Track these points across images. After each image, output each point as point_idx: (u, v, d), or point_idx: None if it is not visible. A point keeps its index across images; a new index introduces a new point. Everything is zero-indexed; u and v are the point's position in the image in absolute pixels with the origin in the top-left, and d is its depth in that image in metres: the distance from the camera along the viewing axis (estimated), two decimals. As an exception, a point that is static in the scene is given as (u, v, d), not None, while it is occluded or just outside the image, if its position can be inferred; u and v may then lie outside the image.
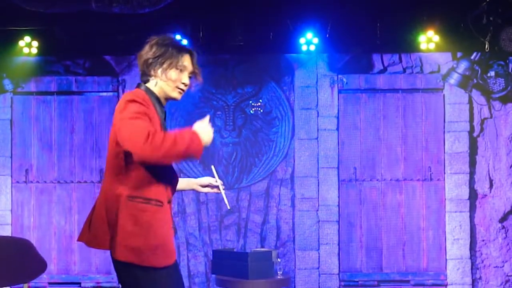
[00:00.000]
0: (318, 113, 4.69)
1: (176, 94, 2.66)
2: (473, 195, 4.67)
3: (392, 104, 4.70)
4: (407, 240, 4.66)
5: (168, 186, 2.60)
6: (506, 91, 4.56)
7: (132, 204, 2.48)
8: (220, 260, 4.13)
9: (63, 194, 4.67)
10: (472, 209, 4.66)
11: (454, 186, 4.65)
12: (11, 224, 4.66)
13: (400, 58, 4.74)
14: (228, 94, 4.66)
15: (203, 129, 2.50)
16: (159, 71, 2.59)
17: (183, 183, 2.78)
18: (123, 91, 4.67)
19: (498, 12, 4.29)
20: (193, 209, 4.68)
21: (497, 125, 4.68)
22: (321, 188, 4.67)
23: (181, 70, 2.59)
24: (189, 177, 3.77)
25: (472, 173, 4.67)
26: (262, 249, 4.37)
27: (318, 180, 4.67)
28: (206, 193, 3.29)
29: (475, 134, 4.69)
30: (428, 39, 4.42)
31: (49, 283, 4.63)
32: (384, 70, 4.75)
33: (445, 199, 4.65)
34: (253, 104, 4.67)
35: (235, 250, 4.37)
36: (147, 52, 2.59)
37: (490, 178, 4.67)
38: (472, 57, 4.53)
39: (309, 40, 4.45)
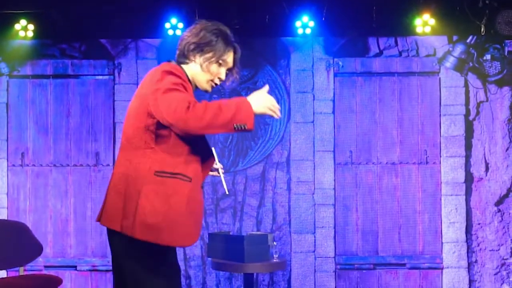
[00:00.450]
0: (314, 96, 4.69)
1: (208, 87, 2.59)
2: (469, 179, 4.67)
3: (388, 87, 4.70)
4: (403, 224, 4.66)
5: (199, 166, 2.50)
6: (502, 74, 4.56)
7: (158, 179, 2.41)
8: (216, 243, 4.13)
9: (59, 178, 4.67)
10: (468, 193, 4.66)
11: (450, 170, 4.65)
12: (7, 208, 4.66)
13: (396, 42, 4.74)
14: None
15: (258, 98, 2.39)
16: (200, 59, 2.50)
17: None
18: (119, 75, 4.67)
19: (494, -5, 4.30)
20: (189, 192, 4.67)
21: (493, 108, 4.68)
22: (317, 171, 4.67)
23: (221, 65, 2.52)
24: None
25: (468, 157, 4.67)
26: (258, 233, 4.38)
27: (314, 163, 4.67)
28: None
29: (471, 118, 4.69)
30: (424, 23, 4.41)
31: (45, 266, 4.62)
32: (380, 54, 4.75)
33: (441, 182, 4.65)
34: (249, 87, 4.67)
35: (231, 233, 4.37)
36: (194, 35, 2.50)
37: (486, 161, 4.67)
38: (468, 41, 4.53)
39: (305, 24, 4.45)
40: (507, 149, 4.66)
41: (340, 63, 4.70)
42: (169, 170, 2.42)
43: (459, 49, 4.53)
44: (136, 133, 2.43)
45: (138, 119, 2.44)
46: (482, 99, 4.69)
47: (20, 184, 4.67)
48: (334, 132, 4.68)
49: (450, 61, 4.54)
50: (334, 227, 4.66)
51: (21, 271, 4.24)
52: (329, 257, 4.65)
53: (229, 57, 2.54)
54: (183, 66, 2.52)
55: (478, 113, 4.69)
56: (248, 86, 4.68)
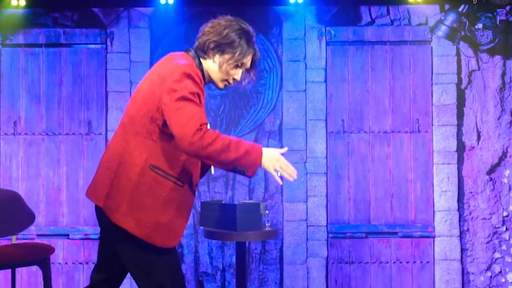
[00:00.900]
0: (306, 65, 4.69)
1: (221, 85, 2.58)
2: (460, 147, 4.67)
3: (380, 56, 4.70)
4: (395, 192, 4.67)
5: (195, 169, 2.51)
6: (494, 43, 4.56)
7: (153, 174, 2.40)
8: (208, 212, 4.13)
9: (51, 146, 4.67)
10: (460, 161, 4.67)
11: (442, 138, 4.66)
12: (-1, 176, 4.68)
13: (388, 10, 4.74)
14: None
15: (272, 155, 2.41)
16: (219, 59, 2.49)
17: None
18: (111, 44, 4.67)
19: (486, -37, 4.31)
20: (181, 161, 4.68)
21: (485, 77, 4.69)
22: (309, 140, 4.67)
23: (238, 66, 2.52)
24: None
25: (459, 125, 4.67)
26: (250, 201, 4.37)
27: (306, 132, 4.68)
28: None
29: (462, 86, 4.69)
30: (416, -9, 4.43)
31: (37, 235, 4.62)
32: (372, 22, 4.75)
33: (433, 151, 4.66)
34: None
35: (223, 202, 4.37)
36: (216, 33, 2.47)
37: (477, 130, 4.68)
38: (460, 9, 4.52)
39: (297, -8, 4.46)
40: (498, 118, 4.66)
41: (332, 32, 4.70)
42: (164, 169, 2.41)
43: (451, 18, 4.53)
44: (141, 120, 2.42)
45: (146, 107, 2.41)
46: (474, 68, 4.69)
47: (13, 153, 4.68)
48: (326, 101, 4.69)
49: (442, 30, 4.54)
50: (326, 196, 4.67)
51: (14, 239, 4.25)
52: (321, 225, 4.66)
53: (248, 60, 2.54)
54: (202, 61, 2.50)
55: (470, 82, 4.69)
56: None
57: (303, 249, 4.65)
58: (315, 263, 4.65)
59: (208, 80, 2.57)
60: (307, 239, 4.65)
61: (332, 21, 4.71)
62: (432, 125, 4.67)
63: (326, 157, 4.67)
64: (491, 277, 4.65)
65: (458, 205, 4.66)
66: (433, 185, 4.66)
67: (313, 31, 4.70)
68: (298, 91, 4.69)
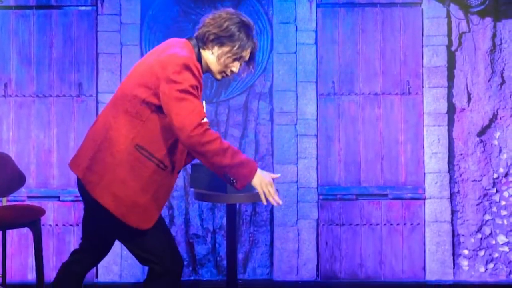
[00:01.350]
0: (296, 27, 4.69)
1: (219, 77, 2.61)
2: (451, 109, 4.67)
3: (371, 18, 4.70)
4: (385, 154, 4.67)
5: (180, 156, 2.54)
6: (484, 5, 4.56)
7: (137, 154, 2.43)
8: (198, 174, 4.09)
9: (42, 108, 4.67)
10: (450, 123, 4.67)
11: (432, 100, 4.66)
12: (-10, 138, 4.67)
13: (378, -28, 4.75)
14: (207, 9, 4.66)
15: (264, 177, 2.50)
16: (218, 51, 2.52)
17: None
18: (101, 5, 4.66)
19: None
20: (171, 123, 4.68)
21: (475, 39, 4.69)
22: (300, 102, 4.67)
23: (237, 59, 2.55)
24: None
25: (450, 87, 4.67)
26: (241, 163, 4.35)
27: (297, 94, 4.67)
28: None
29: (453, 48, 4.69)
30: (406, -49, 4.43)
31: (28, 197, 4.63)
32: (362, -16, 4.75)
33: (423, 113, 4.66)
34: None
35: (213, 164, 4.37)
36: (216, 25, 2.50)
37: (468, 92, 4.68)
38: (450, -29, 4.54)
39: (287, -47, 4.47)
40: (489, 80, 4.66)
41: (323, -7, 4.71)
42: (149, 150, 2.45)
43: (441, -21, 4.54)
44: (133, 100, 2.45)
45: (141, 89, 2.44)
46: (465, 30, 4.69)
47: (3, 115, 4.68)
48: (317, 63, 4.69)
49: (432, -8, 4.54)
50: (317, 158, 4.67)
51: (4, 201, 4.26)
52: (312, 187, 4.66)
53: (247, 53, 2.56)
54: (201, 51, 2.53)
55: (460, 44, 4.69)
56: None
57: (293, 211, 4.65)
58: (306, 225, 4.65)
59: (205, 70, 2.60)
60: (297, 201, 4.66)
61: (322, -18, 4.71)
62: (423, 87, 4.67)
63: (317, 119, 4.67)
64: (481, 239, 4.65)
65: (449, 167, 4.66)
66: (423, 147, 4.66)
67: (304, -7, 4.70)
68: (288, 53, 4.69)
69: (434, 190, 4.64)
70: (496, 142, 4.67)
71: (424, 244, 4.63)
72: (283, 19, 4.69)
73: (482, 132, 4.66)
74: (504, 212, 4.64)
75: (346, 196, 4.65)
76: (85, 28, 4.69)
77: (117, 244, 2.99)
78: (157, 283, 2.59)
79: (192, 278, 4.66)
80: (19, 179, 4.17)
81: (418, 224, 4.64)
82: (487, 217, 4.65)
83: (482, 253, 4.64)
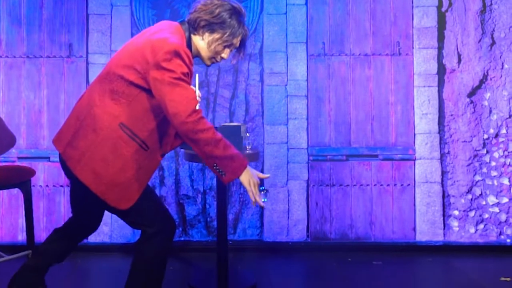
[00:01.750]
0: (286, -12, 4.69)
1: (208, 62, 2.61)
2: (441, 70, 4.67)
3: (361, -21, 4.70)
4: (376, 115, 4.66)
5: (165, 138, 2.54)
6: (475, -34, 4.56)
7: (120, 131, 2.43)
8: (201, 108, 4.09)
9: (32, 69, 4.67)
10: (441, 84, 4.67)
11: (423, 61, 4.65)
12: (-20, 99, 4.67)
13: None
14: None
15: (252, 174, 2.47)
16: (208, 37, 2.53)
17: None
18: (92, -34, 4.66)
19: None
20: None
21: (465, 0, 4.68)
22: (290, 63, 4.67)
23: (227, 46, 2.55)
24: None
25: (440, 48, 4.67)
26: (231, 124, 4.35)
27: (287, 55, 4.67)
28: None
29: (443, 9, 4.69)
30: None
31: (18, 158, 4.62)
32: None
33: (413, 73, 4.66)
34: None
35: (204, 124, 4.37)
36: (207, 11, 2.50)
37: (458, 53, 4.68)
38: None
39: None
40: (479, 41, 4.66)
41: (313, -46, 4.70)
42: (133, 130, 2.44)
43: None
44: (120, 80, 2.46)
45: (129, 71, 2.44)
46: (455, -10, 4.69)
47: (-7, 76, 4.68)
48: (307, 23, 4.68)
49: (422, -47, 4.54)
50: (307, 119, 4.66)
51: (-6, 162, 4.26)
52: (302, 148, 4.66)
53: (237, 41, 2.56)
54: (192, 36, 2.54)
55: (450, 4, 4.69)
56: None
57: (284, 172, 4.65)
58: (296, 186, 4.65)
59: (195, 55, 2.60)
60: (287, 162, 4.65)
61: None
62: (413, 48, 4.66)
63: (307, 80, 4.67)
64: (471, 199, 4.65)
65: (439, 127, 4.66)
66: (413, 107, 4.65)
67: (294, -47, 4.70)
68: (278, 14, 4.68)
69: (424, 151, 4.64)
70: (486, 103, 4.66)
71: (414, 205, 4.63)
72: (273, -20, 4.69)
73: (472, 93, 4.66)
74: (494, 173, 4.64)
75: (336, 157, 4.65)
76: (75, -11, 4.68)
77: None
78: (150, 243, 2.59)
79: (182, 239, 4.66)
80: (10, 140, 4.16)
81: (409, 185, 4.64)
82: (477, 178, 4.65)
83: (472, 214, 4.64)
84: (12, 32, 4.67)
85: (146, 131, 2.46)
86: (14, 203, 4.62)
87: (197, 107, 2.43)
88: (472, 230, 4.64)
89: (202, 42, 2.53)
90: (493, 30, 4.66)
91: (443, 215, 4.64)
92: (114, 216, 4.40)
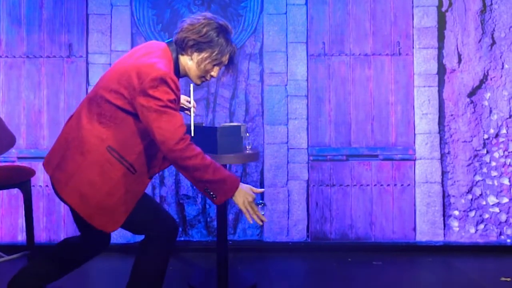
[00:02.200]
0: (287, -12, 4.69)
1: (198, 82, 2.61)
2: (441, 70, 4.67)
3: (361, -21, 4.70)
4: (376, 115, 4.66)
5: (153, 161, 2.53)
6: (475, -34, 4.56)
7: (107, 155, 2.42)
8: (189, 135, 4.08)
9: (32, 69, 4.66)
10: (441, 84, 4.66)
11: (423, 61, 4.65)
12: (-20, 99, 4.67)
13: None
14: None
15: (247, 193, 2.47)
16: (197, 56, 2.52)
17: None
18: (92, -34, 4.66)
19: None
20: (162, 84, 4.66)
21: (466, 0, 4.68)
22: (290, 63, 4.67)
23: (216, 64, 2.55)
24: None
25: (440, 48, 4.67)
26: (231, 124, 4.36)
27: (287, 55, 4.67)
28: None
29: (443, 9, 4.68)
30: None
31: (18, 158, 4.62)
32: None
33: (413, 73, 4.65)
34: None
35: (204, 124, 4.37)
36: (195, 31, 2.49)
37: (458, 52, 4.67)
38: None
39: None
40: (479, 41, 4.66)
41: (313, -46, 4.70)
42: (121, 153, 2.44)
43: None
44: (108, 104, 2.45)
45: (116, 95, 2.43)
46: (455, -10, 4.69)
47: (-7, 76, 4.68)
48: (307, 23, 4.68)
49: (422, -47, 4.54)
50: (307, 119, 4.66)
51: (-6, 162, 4.25)
52: (302, 148, 4.66)
53: (226, 58, 2.56)
54: (180, 56, 2.53)
55: (450, 4, 4.68)
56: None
57: (284, 172, 4.64)
58: (296, 186, 4.64)
59: (184, 75, 2.59)
60: (287, 162, 4.65)
61: None
62: (413, 48, 4.66)
63: (307, 80, 4.67)
64: (471, 199, 4.64)
65: (439, 128, 4.65)
66: (414, 108, 4.65)
67: (294, -47, 4.69)
68: (279, 14, 4.68)
69: (425, 151, 4.64)
70: (486, 103, 4.66)
71: (415, 205, 4.63)
72: (273, -20, 4.69)
73: (472, 93, 4.66)
74: (494, 173, 4.64)
75: (336, 157, 4.65)
76: (75, -11, 4.68)
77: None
78: (153, 244, 2.60)
79: (182, 239, 4.66)
80: (10, 140, 4.15)
81: (409, 185, 4.64)
82: (478, 178, 4.65)
83: (472, 214, 4.64)
84: (12, 32, 4.67)
85: (133, 154, 2.46)
86: (14, 203, 4.62)
87: (186, 135, 2.41)
88: (472, 230, 4.64)
89: (190, 62, 2.53)
90: (493, 30, 4.66)
91: (443, 215, 4.64)
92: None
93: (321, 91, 4.68)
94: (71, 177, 2.43)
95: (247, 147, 4.01)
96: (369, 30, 4.68)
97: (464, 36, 4.66)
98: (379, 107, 4.66)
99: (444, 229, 4.63)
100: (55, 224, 4.57)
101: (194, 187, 4.66)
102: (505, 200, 4.62)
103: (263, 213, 2.61)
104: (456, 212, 4.64)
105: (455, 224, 4.64)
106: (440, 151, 4.65)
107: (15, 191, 4.56)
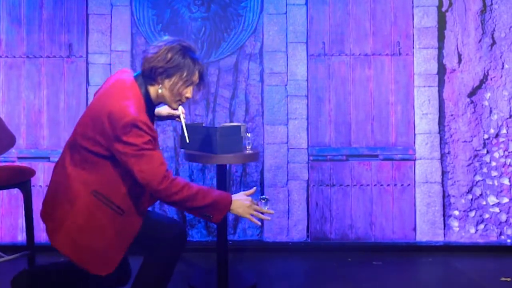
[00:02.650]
0: (287, -12, 4.69)
1: (175, 106, 2.61)
2: (441, 70, 4.67)
3: (361, -21, 4.69)
4: (376, 115, 4.66)
5: (140, 199, 2.54)
6: (475, -34, 4.56)
7: (94, 199, 2.44)
8: (188, 135, 4.09)
9: (32, 69, 4.66)
10: (441, 84, 4.66)
11: (423, 61, 4.65)
12: (-20, 99, 4.66)
13: None
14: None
15: (242, 201, 2.53)
16: (168, 83, 2.52)
17: None
18: (92, -34, 4.66)
19: None
20: (162, 84, 4.66)
21: (466, 0, 4.68)
22: (290, 63, 4.67)
23: (188, 85, 2.55)
24: None
25: (440, 48, 4.66)
26: (231, 124, 4.35)
27: (287, 55, 4.67)
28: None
29: (443, 9, 4.68)
30: None
31: (18, 158, 4.62)
32: None
33: (413, 73, 4.65)
34: (222, -19, 4.67)
35: (204, 124, 4.36)
36: (161, 58, 2.49)
37: (458, 52, 4.67)
38: None
39: None
40: (479, 41, 4.65)
41: (313, -46, 4.70)
42: (107, 196, 2.46)
43: None
44: (87, 151, 2.46)
45: (91, 140, 2.45)
46: (455, -10, 4.69)
47: (-7, 76, 4.67)
48: (307, 23, 4.68)
49: (423, -47, 4.53)
50: (307, 119, 4.66)
51: (-6, 162, 4.25)
52: (302, 148, 4.65)
53: (196, 77, 2.56)
54: (149, 87, 2.53)
55: (450, 4, 4.68)
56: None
57: (283, 172, 4.64)
58: (296, 186, 4.64)
59: (158, 103, 2.61)
60: (287, 162, 4.65)
61: None
62: (413, 47, 4.66)
63: (307, 80, 4.67)
64: (472, 199, 4.64)
65: (439, 127, 4.65)
66: (414, 107, 4.65)
67: (294, -47, 4.69)
68: (279, 14, 4.68)
69: (425, 151, 4.64)
70: (486, 103, 4.66)
71: (415, 205, 4.63)
72: (273, -20, 4.69)
73: (472, 93, 4.66)
74: (494, 173, 4.64)
75: (336, 157, 4.65)
76: (75, -11, 4.68)
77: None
78: (159, 249, 2.64)
79: (182, 239, 4.65)
80: (10, 140, 4.15)
81: (409, 185, 4.64)
82: (478, 178, 4.64)
83: (472, 214, 4.64)
84: (12, 32, 4.67)
85: (119, 195, 2.47)
86: (14, 203, 4.62)
87: (168, 171, 2.43)
88: (473, 230, 4.63)
89: (161, 90, 2.54)
90: (494, 30, 4.65)
91: (443, 215, 4.63)
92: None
93: (321, 91, 4.68)
94: (61, 225, 2.45)
95: (247, 147, 4.00)
96: (369, 30, 4.68)
97: (464, 36, 4.66)
98: (379, 107, 4.66)
99: (444, 229, 4.63)
100: (55, 224, 4.56)
101: (194, 187, 4.66)
102: (505, 200, 4.62)
103: (267, 207, 2.63)
104: (456, 212, 4.64)
105: (455, 224, 4.64)
106: (440, 151, 4.64)
107: (15, 191, 4.55)
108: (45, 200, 2.60)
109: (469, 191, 4.64)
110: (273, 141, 4.65)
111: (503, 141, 4.64)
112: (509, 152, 4.64)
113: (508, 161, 4.63)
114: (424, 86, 4.64)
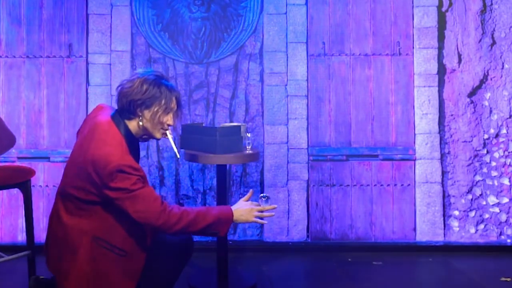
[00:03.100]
0: (287, -12, 4.69)
1: (159, 135, 2.61)
2: (441, 70, 4.66)
3: (361, -21, 4.69)
4: (376, 115, 4.66)
5: (142, 236, 2.54)
6: (475, -34, 4.56)
7: (96, 246, 2.44)
8: (189, 135, 4.11)
9: (32, 69, 4.66)
10: (441, 84, 4.66)
11: (423, 61, 4.65)
12: (-20, 99, 4.66)
13: None
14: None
15: (243, 209, 2.57)
16: (147, 114, 2.53)
17: None
18: (92, -34, 4.66)
19: None
20: (162, 84, 4.66)
21: (466, 0, 4.68)
22: (290, 63, 4.66)
23: (168, 112, 2.56)
24: None
25: (440, 48, 4.66)
26: (231, 124, 4.36)
27: (287, 55, 4.67)
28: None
29: (443, 9, 4.68)
30: None
31: (18, 158, 4.62)
32: None
33: (413, 73, 4.65)
34: (222, -19, 4.67)
35: (204, 124, 4.37)
36: (137, 91, 2.50)
37: (458, 53, 4.67)
38: None
39: None
40: (479, 41, 4.65)
41: (313, -46, 4.69)
42: (108, 240, 2.46)
43: None
44: (79, 200, 2.46)
45: (80, 190, 2.45)
46: (455, -10, 4.69)
47: (-7, 76, 4.67)
48: (307, 23, 4.68)
49: (423, -47, 4.53)
50: (307, 119, 4.66)
51: (-6, 162, 4.24)
52: (302, 148, 4.65)
53: (174, 103, 2.58)
54: (129, 122, 2.53)
55: (451, 4, 4.68)
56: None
57: (283, 172, 4.64)
58: (296, 186, 4.64)
59: (141, 135, 2.60)
60: (287, 162, 4.65)
61: None
62: (413, 48, 4.66)
63: (307, 80, 4.67)
64: (472, 199, 4.64)
65: (439, 128, 4.65)
66: (414, 107, 4.65)
67: (294, -47, 4.69)
68: (279, 14, 4.68)
69: (425, 151, 4.64)
70: (486, 103, 4.66)
71: (415, 205, 4.63)
72: (273, -20, 4.69)
73: (472, 93, 4.66)
74: (494, 173, 4.64)
75: (336, 157, 4.65)
76: (75, -11, 4.68)
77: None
78: (165, 254, 2.69)
79: (182, 239, 4.65)
80: (10, 140, 4.14)
81: (409, 185, 4.64)
82: (478, 178, 4.64)
83: (472, 214, 4.64)
84: (12, 32, 4.67)
85: (120, 237, 2.48)
86: (14, 203, 4.62)
87: (163, 203, 2.45)
88: (473, 230, 4.63)
89: (144, 121, 2.54)
90: (494, 30, 4.65)
91: (443, 215, 4.63)
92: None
93: (321, 91, 4.68)
94: (67, 277, 2.46)
95: (247, 147, 4.01)
96: (369, 30, 4.68)
97: (464, 36, 4.66)
98: (379, 107, 4.66)
99: (444, 229, 4.63)
100: (55, 224, 4.56)
101: (194, 188, 4.66)
102: (505, 200, 4.62)
103: (269, 204, 2.66)
104: (456, 212, 4.64)
105: (455, 224, 4.64)
106: (440, 151, 4.64)
107: (15, 191, 4.55)
108: (48, 254, 2.59)
109: (469, 191, 4.64)
110: (273, 141, 4.65)
111: (503, 141, 4.64)
112: (509, 152, 4.64)
113: (508, 161, 4.63)
114: (424, 86, 4.64)
